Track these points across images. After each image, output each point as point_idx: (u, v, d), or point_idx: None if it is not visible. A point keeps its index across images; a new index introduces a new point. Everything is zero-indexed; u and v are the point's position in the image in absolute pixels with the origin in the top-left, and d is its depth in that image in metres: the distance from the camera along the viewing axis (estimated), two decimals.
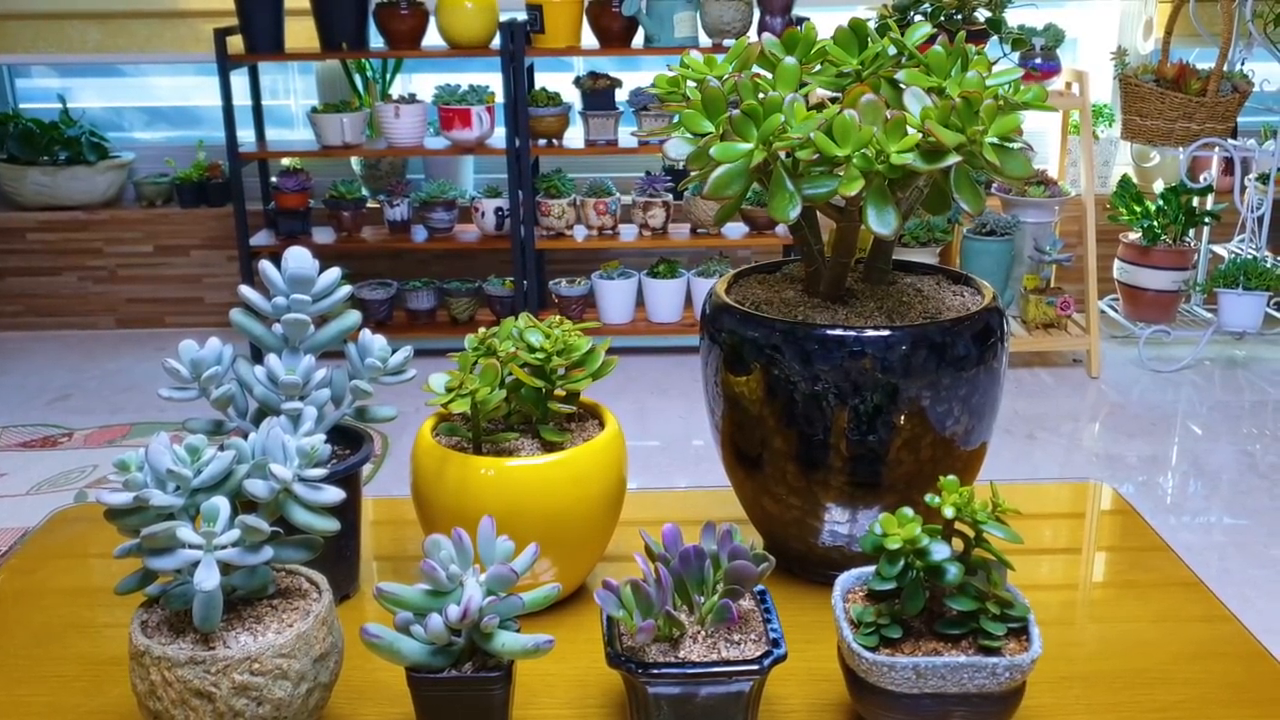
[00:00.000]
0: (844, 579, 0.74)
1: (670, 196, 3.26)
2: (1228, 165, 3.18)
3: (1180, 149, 3.02)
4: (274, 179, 3.39)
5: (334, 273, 0.86)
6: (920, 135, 0.75)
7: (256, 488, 0.67)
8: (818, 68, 0.88)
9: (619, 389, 3.07)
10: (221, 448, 0.70)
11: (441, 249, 3.40)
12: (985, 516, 0.67)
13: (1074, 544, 1.00)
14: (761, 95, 0.80)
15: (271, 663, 0.66)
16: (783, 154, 0.78)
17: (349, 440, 0.92)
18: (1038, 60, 3.02)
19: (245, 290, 0.86)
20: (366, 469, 2.63)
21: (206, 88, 3.78)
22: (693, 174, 0.84)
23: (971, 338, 0.84)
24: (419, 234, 3.33)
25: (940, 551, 0.66)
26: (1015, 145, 0.79)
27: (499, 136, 3.24)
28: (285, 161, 3.46)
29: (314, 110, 3.24)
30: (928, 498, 0.68)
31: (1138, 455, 2.70)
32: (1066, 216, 3.31)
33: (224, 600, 0.69)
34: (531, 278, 3.26)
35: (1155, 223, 3.10)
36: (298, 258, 0.85)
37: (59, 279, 3.71)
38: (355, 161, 3.59)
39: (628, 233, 3.31)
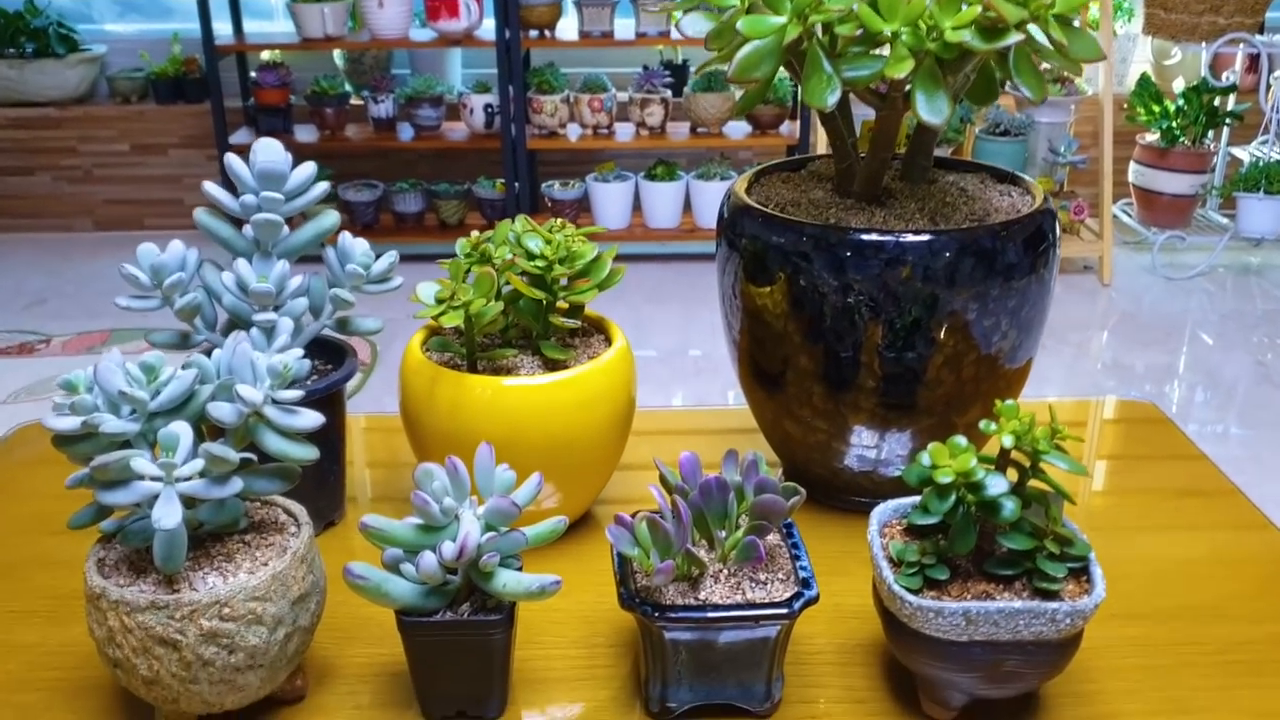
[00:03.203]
0: (880, 511, 0.66)
1: (669, 93, 3.12)
2: (1252, 62, 3.05)
3: (1204, 45, 2.88)
4: (253, 73, 3.24)
5: (308, 168, 0.77)
6: (979, 9, 0.65)
7: (222, 412, 0.59)
8: None
9: (614, 297, 2.96)
10: (185, 366, 0.61)
11: (429, 148, 3.27)
12: (1047, 445, 0.60)
13: (1118, 468, 0.93)
14: None
15: (244, 607, 0.58)
16: (818, 29, 0.68)
17: (330, 354, 0.84)
18: None
19: (210, 187, 0.77)
20: (352, 382, 2.56)
21: None
22: (713, 54, 0.74)
23: (1022, 243, 0.75)
24: (405, 132, 3.19)
25: (997, 485, 0.58)
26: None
27: (488, 28, 3.08)
28: (264, 55, 3.30)
29: (294, 0, 3.07)
30: (982, 424, 0.61)
31: (1147, 365, 2.63)
32: (1082, 117, 3.18)
33: (190, 536, 0.62)
34: (523, 180, 3.13)
35: (1174, 123, 2.99)
36: (268, 150, 0.76)
37: (32, 179, 3.57)
38: (337, 55, 3.43)
39: (624, 132, 3.17)
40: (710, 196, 3.16)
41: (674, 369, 2.66)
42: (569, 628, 0.71)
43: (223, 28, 3.20)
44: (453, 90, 3.28)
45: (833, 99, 0.68)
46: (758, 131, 3.14)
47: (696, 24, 0.73)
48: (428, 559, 0.60)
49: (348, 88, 3.27)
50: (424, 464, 0.62)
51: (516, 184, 3.13)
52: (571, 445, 0.77)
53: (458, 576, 0.63)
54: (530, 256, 0.77)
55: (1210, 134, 3.05)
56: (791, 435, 0.82)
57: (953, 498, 0.59)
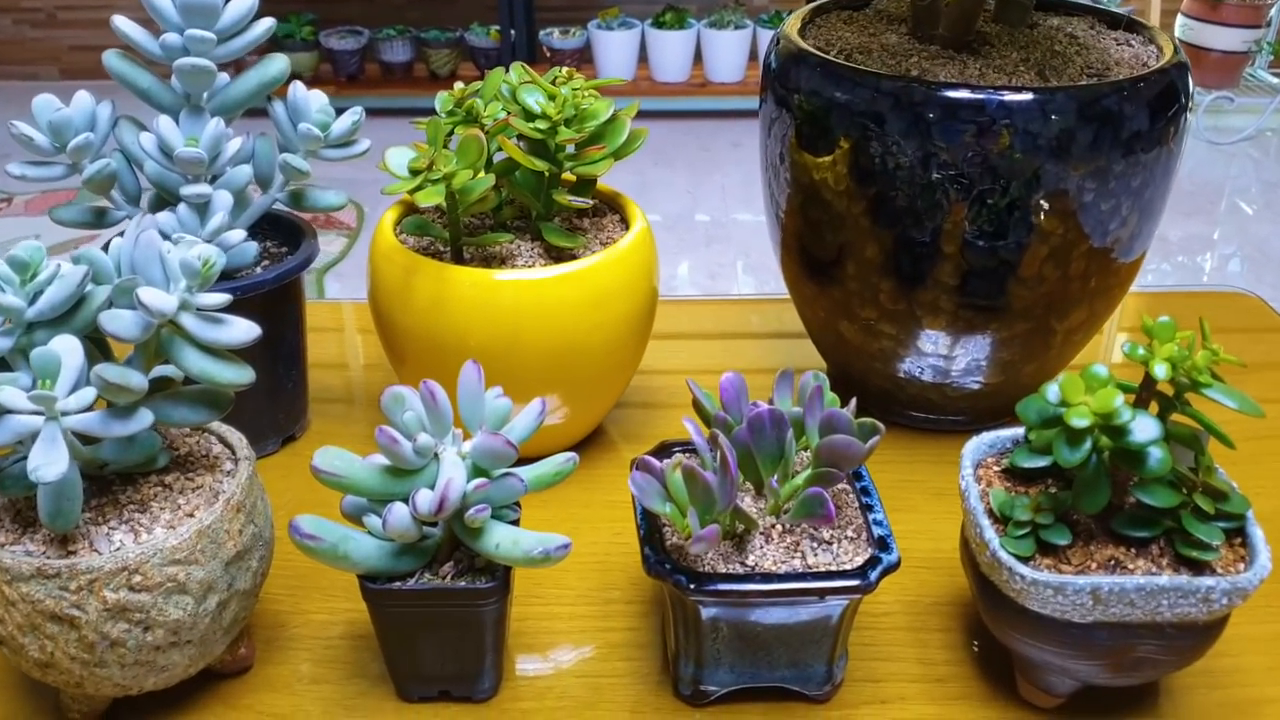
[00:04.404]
0: (974, 447, 0.52)
1: None
2: None
3: None
4: None
5: (247, 1, 0.60)
6: None
7: (119, 324, 0.44)
8: None
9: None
10: (75, 260, 0.46)
11: None
12: (1208, 378, 0.45)
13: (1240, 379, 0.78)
14: None
15: (161, 573, 0.45)
16: None
17: (285, 234, 0.69)
18: None
19: (121, 23, 0.60)
20: (335, 249, 2.40)
21: None
22: None
23: (1151, 106, 0.59)
24: None
25: (1145, 430, 0.44)
26: None
27: None
28: None
29: None
30: (1125, 346, 0.46)
31: (1187, 234, 2.47)
32: None
33: (91, 479, 0.48)
34: (520, 27, 2.89)
35: None
36: None
37: None
38: None
39: None
40: (723, 47, 2.93)
41: (680, 236, 2.50)
42: (578, 576, 0.59)
43: None
44: None
45: None
46: None
47: None
48: (398, 512, 0.46)
49: None
50: (392, 388, 0.48)
51: (512, 31, 2.89)
52: (580, 351, 0.62)
53: (438, 529, 0.49)
54: (529, 116, 0.61)
55: None
56: (848, 339, 0.67)
57: (1087, 444, 0.45)
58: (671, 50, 2.91)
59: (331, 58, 2.96)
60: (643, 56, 2.99)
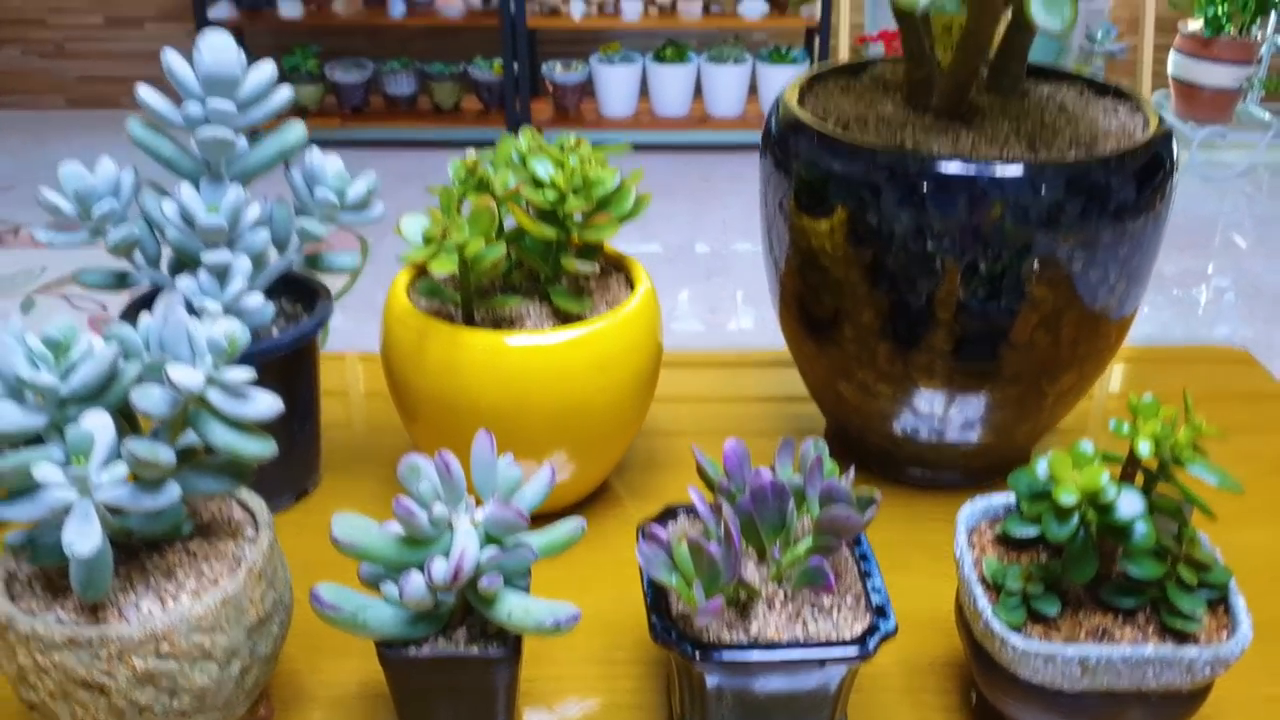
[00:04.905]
0: (968, 514, 0.54)
1: None
2: None
3: None
4: None
5: (266, 70, 0.63)
6: None
7: (150, 401, 0.46)
8: None
9: None
10: (106, 338, 0.48)
11: (422, 25, 3.05)
12: (1191, 454, 0.47)
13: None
14: None
15: (188, 640, 0.47)
16: None
17: (299, 293, 0.71)
18: None
19: (145, 93, 0.62)
20: (340, 281, 2.41)
21: None
22: None
23: (1138, 177, 0.61)
24: (396, 8, 2.97)
25: (1130, 506, 0.46)
26: None
27: None
28: None
29: None
30: (1111, 424, 0.48)
31: (1181, 269, 2.49)
32: (1120, 2, 2.97)
33: (119, 547, 0.50)
34: (522, 61, 2.93)
35: (1220, 9, 2.77)
36: (215, 48, 0.61)
37: None
38: None
39: (631, 10, 2.95)
40: (723, 81, 2.96)
41: (680, 268, 2.52)
42: (584, 635, 0.60)
43: None
44: None
45: None
46: (775, 11, 2.92)
47: None
48: (414, 582, 0.48)
49: None
50: (409, 458, 0.50)
51: (515, 65, 2.93)
52: (587, 411, 0.64)
53: (451, 596, 0.51)
54: (539, 185, 0.63)
55: (1258, 21, 2.84)
56: (846, 398, 0.69)
57: (1075, 520, 0.47)
58: (672, 84, 2.95)
59: (336, 90, 3.00)
60: (644, 90, 3.03)
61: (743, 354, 0.91)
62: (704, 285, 2.46)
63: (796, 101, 0.69)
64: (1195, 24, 2.89)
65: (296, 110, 3.02)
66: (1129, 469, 0.49)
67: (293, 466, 0.70)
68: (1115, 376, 0.88)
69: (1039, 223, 0.60)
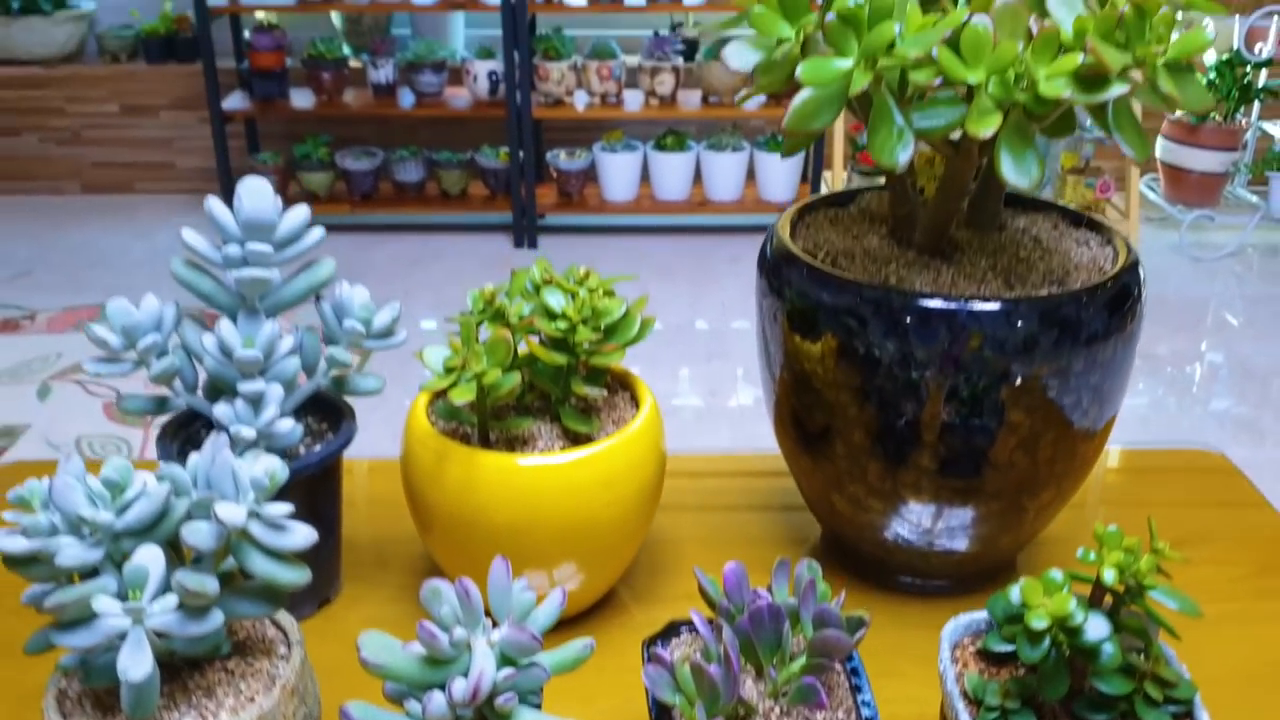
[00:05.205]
0: (951, 630, 0.58)
1: (680, 60, 3.00)
2: None
3: (1237, 17, 2.76)
4: (247, 34, 3.11)
5: (300, 213, 0.68)
6: (1079, 56, 0.56)
7: (199, 536, 0.50)
8: None
9: (622, 272, 2.89)
10: (159, 478, 0.53)
11: (430, 115, 3.15)
12: (1153, 580, 0.52)
13: (1181, 535, 0.84)
14: None
15: None
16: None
17: (325, 412, 0.76)
18: None
19: (189, 236, 0.68)
20: (355, 358, 2.47)
21: None
22: (757, 82, 0.65)
23: (1108, 308, 0.66)
24: (406, 99, 3.07)
25: (1097, 630, 0.50)
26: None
27: None
28: (259, 15, 3.17)
29: None
30: (1079, 552, 0.52)
31: (1176, 350, 2.55)
32: None
33: (163, 666, 0.54)
34: (528, 149, 3.02)
35: None
36: (254, 193, 0.66)
37: (18, 140, 3.45)
38: (335, 15, 3.30)
39: (633, 100, 3.05)
40: (721, 168, 3.05)
41: (681, 348, 2.58)
42: None
43: None
44: (455, 55, 3.15)
45: (904, 156, 0.59)
46: (772, 102, 3.02)
47: (742, 55, 0.64)
48: (436, 701, 0.52)
49: (346, 50, 3.15)
50: (431, 582, 0.54)
51: (521, 153, 3.02)
52: (595, 525, 0.69)
53: (470, 711, 0.55)
54: (551, 316, 0.69)
55: (1242, 109, 2.94)
56: (840, 510, 0.74)
57: (1046, 643, 0.51)
58: (672, 171, 3.03)
59: (347, 177, 3.09)
60: (645, 176, 3.12)
61: (741, 457, 0.95)
62: (704, 366, 2.51)
63: (789, 233, 0.74)
64: (1181, 111, 2.98)
65: (308, 196, 3.11)
66: (1097, 592, 0.53)
67: (317, 576, 0.74)
68: (1098, 483, 0.92)
69: (1014, 353, 0.64)
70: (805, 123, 0.59)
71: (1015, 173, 0.58)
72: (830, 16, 0.58)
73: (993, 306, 0.64)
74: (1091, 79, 0.56)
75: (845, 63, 0.58)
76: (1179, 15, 0.63)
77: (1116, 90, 0.56)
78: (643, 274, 2.91)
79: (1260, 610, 0.75)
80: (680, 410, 2.33)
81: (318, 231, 0.69)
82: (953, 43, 0.57)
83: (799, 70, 0.57)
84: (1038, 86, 0.56)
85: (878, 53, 0.57)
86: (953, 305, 0.64)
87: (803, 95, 0.59)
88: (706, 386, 2.43)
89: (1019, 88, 0.57)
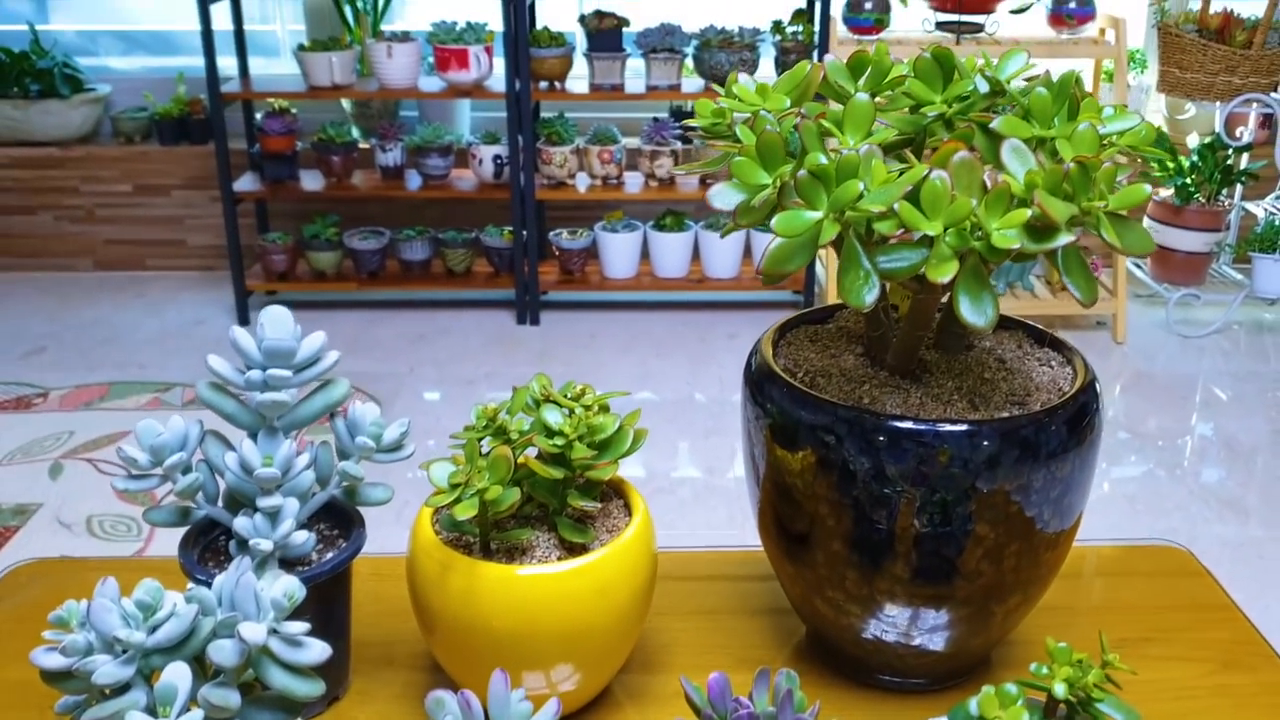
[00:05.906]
0: None
1: (679, 144, 3.09)
2: (1265, 119, 3.02)
3: (1218, 104, 2.85)
4: (258, 116, 3.21)
5: (317, 339, 0.74)
6: (1026, 208, 0.62)
7: (224, 654, 0.55)
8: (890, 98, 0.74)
9: (623, 347, 2.95)
10: (188, 599, 0.58)
11: (436, 197, 3.23)
12: (1101, 694, 0.56)
13: (1144, 635, 0.89)
14: (830, 144, 0.67)
15: None
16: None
17: (336, 518, 0.81)
18: (1071, 4, 2.83)
19: (214, 362, 0.73)
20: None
21: (184, 6, 3.56)
22: (738, 219, 0.71)
23: (1066, 427, 0.71)
24: (413, 181, 3.16)
25: None
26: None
27: (498, 78, 3.06)
28: (271, 100, 3.27)
29: (301, 48, 3.05)
30: (1033, 667, 0.57)
31: (1164, 427, 2.59)
32: None
33: None
34: (531, 228, 3.10)
35: (1189, 180, 2.95)
36: (275, 323, 0.72)
37: (34, 219, 3.54)
38: (345, 100, 3.41)
39: (633, 182, 3.15)
40: (719, 246, 3.13)
41: (682, 424, 2.63)
42: None
43: (228, 63, 3.17)
44: (461, 139, 3.25)
45: (871, 297, 0.64)
46: None
47: (726, 197, 0.70)
48: None
49: (355, 134, 3.25)
50: (435, 694, 0.59)
51: (524, 233, 3.10)
52: (590, 629, 0.73)
53: None
54: (549, 433, 0.74)
55: (1225, 191, 3.02)
56: (822, 612, 0.78)
57: None
58: (671, 249, 3.11)
59: (354, 256, 3.16)
60: (645, 254, 3.19)
61: (730, 556, 1.00)
62: (703, 441, 2.56)
63: (771, 351, 0.80)
64: (1166, 193, 3.07)
65: (316, 275, 3.18)
66: (1050, 705, 0.58)
67: (328, 677, 0.78)
68: (1069, 581, 0.96)
69: (979, 471, 0.69)
70: (780, 265, 0.65)
71: (972, 313, 0.63)
72: (802, 173, 0.64)
73: (958, 428, 0.69)
74: (1040, 229, 0.62)
75: (815, 214, 0.63)
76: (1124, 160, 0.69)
77: (1064, 239, 0.62)
78: (642, 349, 2.97)
79: (1220, 708, 0.79)
80: (678, 486, 2.37)
81: (333, 355, 0.75)
82: (913, 196, 0.63)
83: (773, 222, 0.63)
84: (990, 238, 0.62)
85: (845, 206, 0.63)
86: (921, 426, 0.70)
87: (776, 243, 0.65)
88: (704, 463, 2.47)
89: (974, 237, 0.62)
